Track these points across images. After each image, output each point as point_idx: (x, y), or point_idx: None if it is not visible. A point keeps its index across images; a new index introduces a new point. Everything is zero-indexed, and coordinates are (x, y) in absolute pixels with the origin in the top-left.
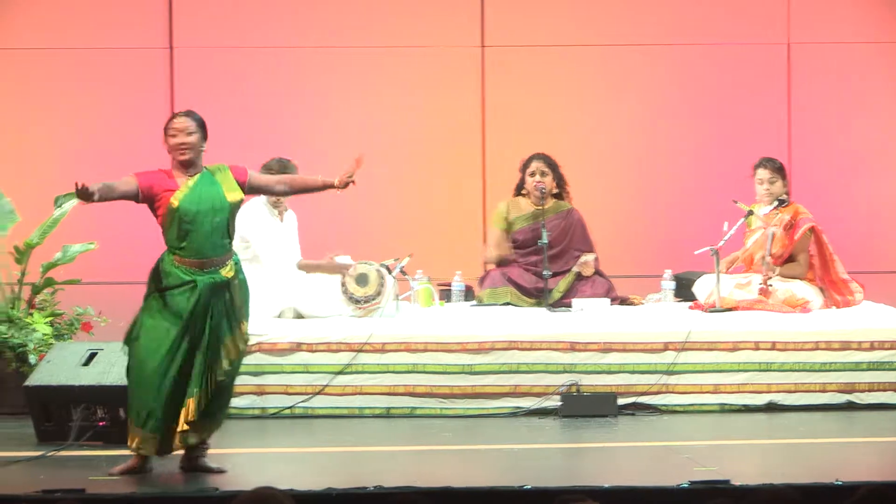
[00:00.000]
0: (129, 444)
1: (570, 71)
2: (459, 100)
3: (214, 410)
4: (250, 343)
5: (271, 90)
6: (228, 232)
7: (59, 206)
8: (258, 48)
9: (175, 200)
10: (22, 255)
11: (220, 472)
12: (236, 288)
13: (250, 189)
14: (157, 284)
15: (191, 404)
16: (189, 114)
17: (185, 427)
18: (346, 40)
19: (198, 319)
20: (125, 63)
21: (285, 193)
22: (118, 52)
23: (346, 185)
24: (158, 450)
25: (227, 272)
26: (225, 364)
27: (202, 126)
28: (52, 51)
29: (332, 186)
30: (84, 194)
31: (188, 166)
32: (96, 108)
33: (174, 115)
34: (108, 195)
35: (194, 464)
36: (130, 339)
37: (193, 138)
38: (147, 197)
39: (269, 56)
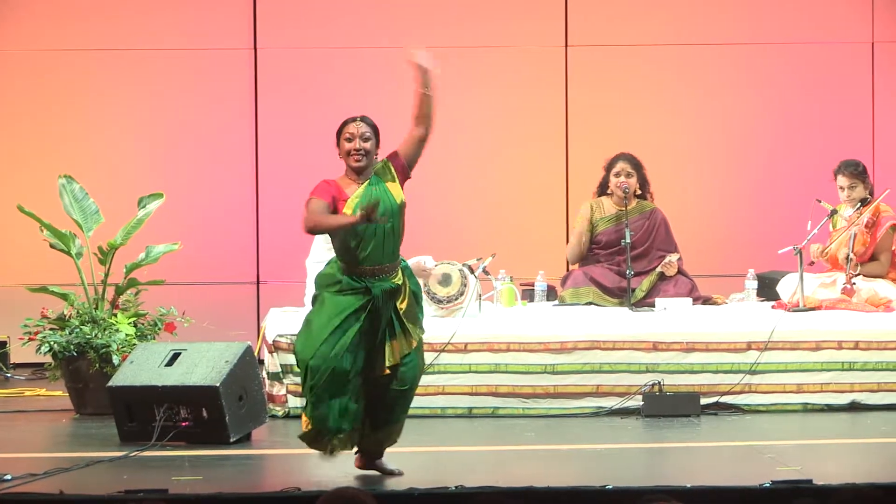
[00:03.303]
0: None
1: (652, 70)
2: (542, 100)
3: (392, 421)
4: None
5: (354, 90)
6: (399, 236)
7: (143, 207)
8: (341, 48)
9: (348, 209)
10: (106, 255)
11: (398, 474)
12: (407, 293)
13: (410, 164)
14: (326, 288)
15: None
16: (364, 119)
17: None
18: (430, 40)
19: (370, 320)
20: (210, 64)
21: (425, 136)
22: (203, 54)
23: (426, 84)
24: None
25: (397, 279)
26: (383, 368)
27: (377, 133)
28: (137, 52)
29: (424, 93)
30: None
31: (359, 172)
32: (181, 109)
33: (350, 120)
34: None
35: (371, 464)
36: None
37: (368, 144)
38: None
39: (351, 56)
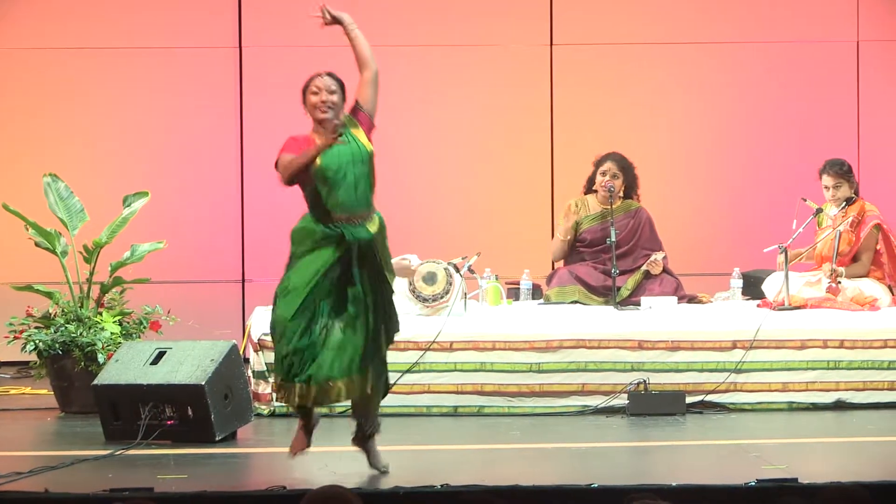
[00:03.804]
0: (281, 401)
1: (637, 69)
2: (528, 98)
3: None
4: None
5: None
6: (371, 183)
7: (128, 206)
8: (326, 47)
9: (318, 159)
10: (91, 254)
11: (384, 472)
12: (383, 243)
13: (371, 111)
14: (301, 246)
15: (368, 376)
16: (330, 73)
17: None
18: (414, 39)
19: (349, 270)
20: (195, 63)
21: (374, 74)
22: (188, 52)
23: (348, 29)
24: (315, 400)
25: (372, 227)
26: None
27: (343, 87)
28: (121, 51)
29: (350, 36)
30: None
31: (325, 115)
32: (166, 107)
33: (315, 75)
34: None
35: (364, 445)
36: (277, 296)
37: (335, 97)
38: None
39: (336, 55)
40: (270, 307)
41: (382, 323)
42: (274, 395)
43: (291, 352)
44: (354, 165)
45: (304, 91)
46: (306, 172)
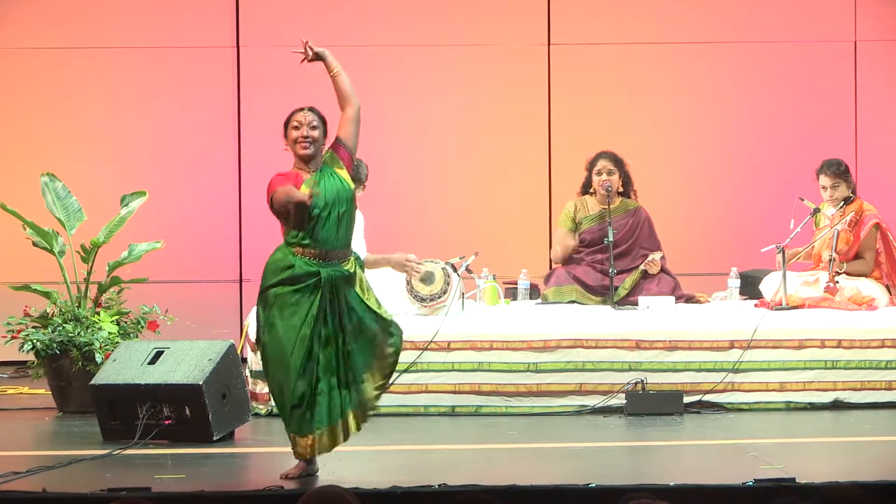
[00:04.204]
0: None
1: (635, 69)
2: (525, 98)
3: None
4: None
5: None
6: (351, 222)
7: (126, 205)
8: (323, 46)
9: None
10: (88, 253)
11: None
12: (361, 281)
13: (352, 148)
14: (275, 277)
15: (350, 420)
16: (312, 108)
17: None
18: (413, 38)
19: (328, 313)
20: (192, 62)
21: (355, 112)
22: (186, 52)
23: (330, 67)
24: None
25: (348, 266)
26: (388, 352)
27: (325, 122)
28: (119, 50)
29: (333, 75)
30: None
31: (308, 161)
32: (163, 106)
33: (297, 109)
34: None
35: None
36: (260, 343)
37: (316, 132)
38: None
39: (335, 55)
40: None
41: (366, 356)
42: (271, 395)
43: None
44: (339, 203)
45: (286, 125)
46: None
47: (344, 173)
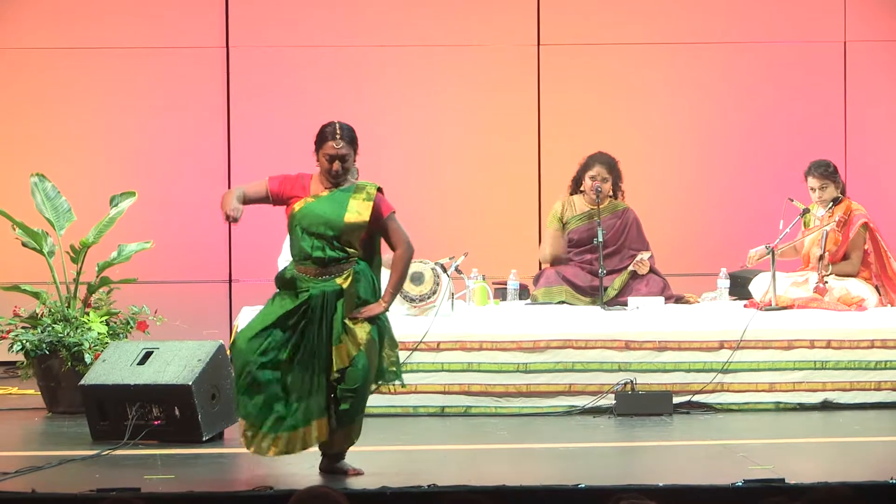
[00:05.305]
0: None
1: (625, 69)
2: (515, 98)
3: (342, 424)
4: None
5: (326, 89)
6: (341, 246)
7: (115, 206)
8: (313, 47)
9: (297, 206)
10: (78, 254)
11: (358, 473)
12: (349, 297)
13: (377, 229)
14: (278, 287)
15: (313, 429)
16: (343, 135)
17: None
18: (401, 39)
19: (308, 323)
20: (182, 63)
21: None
22: (175, 52)
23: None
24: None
25: (342, 281)
26: (334, 371)
27: (355, 146)
28: (109, 50)
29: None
30: (234, 220)
31: (336, 185)
32: (153, 107)
33: (331, 135)
34: (245, 204)
35: (332, 467)
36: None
37: (348, 163)
38: (278, 201)
39: (324, 55)
40: (258, 308)
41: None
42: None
43: (249, 376)
44: (325, 227)
45: (318, 149)
46: (288, 218)
47: (357, 206)
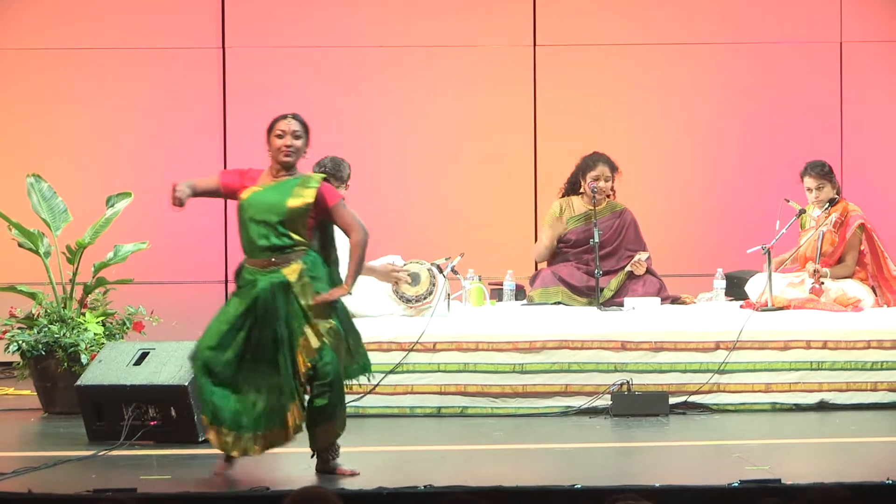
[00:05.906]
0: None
1: (621, 70)
2: (511, 99)
3: (322, 419)
4: None
5: (323, 90)
6: (287, 232)
7: (111, 206)
8: (310, 48)
9: (244, 194)
10: (74, 254)
11: (354, 474)
12: (303, 289)
13: (326, 217)
14: (235, 281)
15: (289, 415)
16: (296, 116)
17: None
18: (398, 39)
19: (260, 320)
20: (178, 63)
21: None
22: (171, 53)
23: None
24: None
25: (289, 272)
26: (302, 366)
27: (307, 131)
28: (105, 51)
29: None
30: (179, 202)
31: (287, 168)
32: (149, 107)
33: (281, 117)
34: (193, 195)
35: (326, 467)
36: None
37: (299, 142)
38: (229, 193)
39: (320, 56)
40: None
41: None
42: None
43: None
44: (268, 213)
45: (269, 132)
46: (237, 210)
47: (301, 192)
